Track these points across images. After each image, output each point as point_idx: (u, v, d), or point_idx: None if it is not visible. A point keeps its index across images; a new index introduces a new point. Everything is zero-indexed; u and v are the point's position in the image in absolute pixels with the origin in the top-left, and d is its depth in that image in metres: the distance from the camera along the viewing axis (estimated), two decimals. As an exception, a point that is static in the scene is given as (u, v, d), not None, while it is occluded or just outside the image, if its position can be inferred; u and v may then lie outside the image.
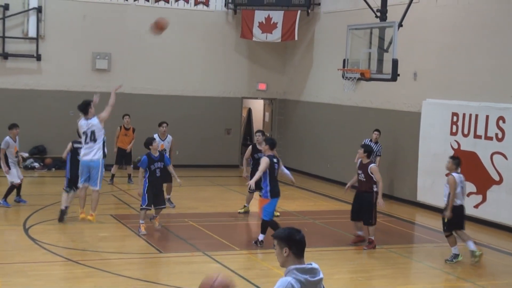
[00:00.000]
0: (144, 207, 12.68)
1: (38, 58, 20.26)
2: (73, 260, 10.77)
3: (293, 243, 4.53)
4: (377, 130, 17.18)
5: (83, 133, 12.80)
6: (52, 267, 10.55)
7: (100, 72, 20.99)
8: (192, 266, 10.89)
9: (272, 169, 11.90)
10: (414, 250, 13.10)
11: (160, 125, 15.55)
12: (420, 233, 14.54)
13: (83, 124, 12.81)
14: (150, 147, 12.82)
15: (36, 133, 20.30)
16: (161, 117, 21.48)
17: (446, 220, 11.69)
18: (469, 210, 13.68)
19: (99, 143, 12.82)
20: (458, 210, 11.68)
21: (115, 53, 21.08)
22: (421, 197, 16.66)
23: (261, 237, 12.14)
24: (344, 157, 19.29)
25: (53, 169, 20.20)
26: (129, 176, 18.53)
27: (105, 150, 13.15)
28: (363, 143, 17.29)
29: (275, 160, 12.04)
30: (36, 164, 20.26)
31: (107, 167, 15.88)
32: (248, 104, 24.61)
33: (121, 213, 14.63)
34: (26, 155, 16.54)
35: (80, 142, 13.14)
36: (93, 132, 12.69)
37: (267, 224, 11.98)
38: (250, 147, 14.81)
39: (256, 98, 23.60)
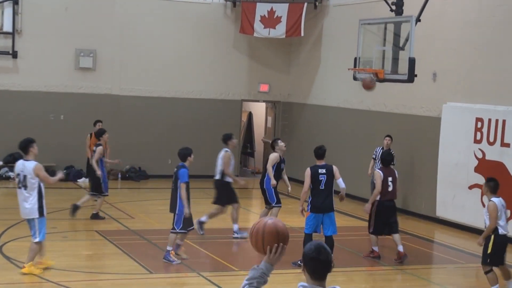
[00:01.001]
0: (178, 230, 12.06)
1: (14, 55, 20.31)
2: (53, 282, 10.76)
3: (308, 260, 4.58)
4: (388, 135, 17.19)
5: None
6: (30, 289, 10.52)
7: (84, 71, 21.04)
8: (186, 288, 10.91)
9: (315, 181, 12.09)
10: (433, 271, 13.13)
11: (230, 138, 14.58)
12: (440, 252, 14.55)
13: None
14: (188, 158, 12.11)
15: (12, 138, 20.10)
16: (151, 121, 21.68)
17: (489, 251, 10.68)
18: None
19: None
20: (501, 240, 10.76)
21: (100, 50, 21.13)
22: (441, 213, 16.67)
23: None
24: (355, 167, 19.28)
25: (31, 179, 20.18)
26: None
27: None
28: (375, 152, 17.42)
29: (322, 171, 12.19)
30: (11, 174, 20.28)
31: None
32: (249, 108, 24.66)
33: (108, 229, 14.63)
34: (-1, 163, 16.55)
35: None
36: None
37: (304, 238, 12.23)
38: (277, 154, 14.64)
39: (258, 101, 23.65)
